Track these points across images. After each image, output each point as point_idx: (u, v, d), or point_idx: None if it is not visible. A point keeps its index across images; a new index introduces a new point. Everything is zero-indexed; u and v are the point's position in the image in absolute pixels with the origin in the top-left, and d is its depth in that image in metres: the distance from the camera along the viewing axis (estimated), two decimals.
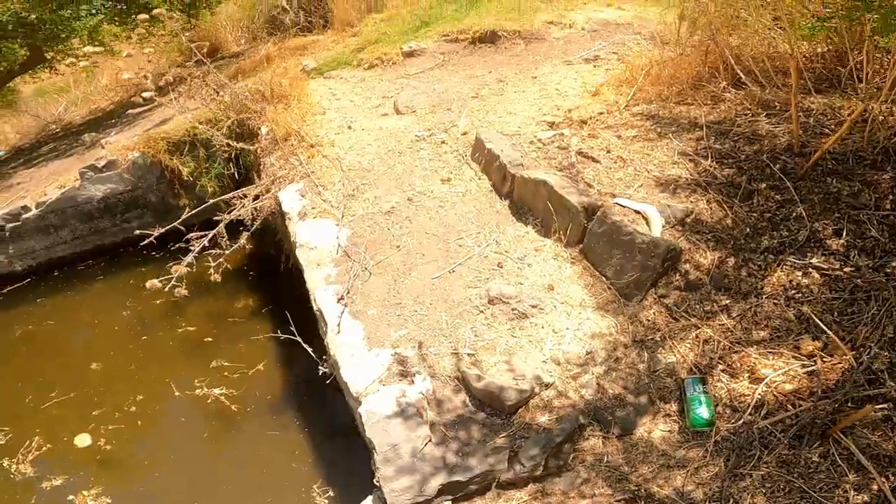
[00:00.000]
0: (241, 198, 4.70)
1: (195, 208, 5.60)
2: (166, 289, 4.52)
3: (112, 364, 4.82)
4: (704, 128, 4.07)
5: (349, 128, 5.12)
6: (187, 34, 11.18)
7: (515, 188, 4.00)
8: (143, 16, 6.93)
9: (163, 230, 4.85)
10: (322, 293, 3.79)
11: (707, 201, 3.63)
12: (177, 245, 4.76)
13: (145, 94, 8.15)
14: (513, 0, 6.92)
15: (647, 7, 6.89)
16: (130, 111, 9.05)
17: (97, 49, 9.34)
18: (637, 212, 3.62)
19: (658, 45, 5.38)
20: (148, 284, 4.90)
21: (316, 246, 3.93)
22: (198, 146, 6.28)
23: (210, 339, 4.97)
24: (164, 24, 10.05)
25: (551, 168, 3.97)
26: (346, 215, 4.14)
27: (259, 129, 5.42)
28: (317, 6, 9.62)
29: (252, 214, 4.65)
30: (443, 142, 4.74)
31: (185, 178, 6.27)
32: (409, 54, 6.39)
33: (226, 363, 4.56)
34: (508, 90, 5.35)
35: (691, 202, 3.63)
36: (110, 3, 8.47)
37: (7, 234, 5.81)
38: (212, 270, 4.51)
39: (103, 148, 7.05)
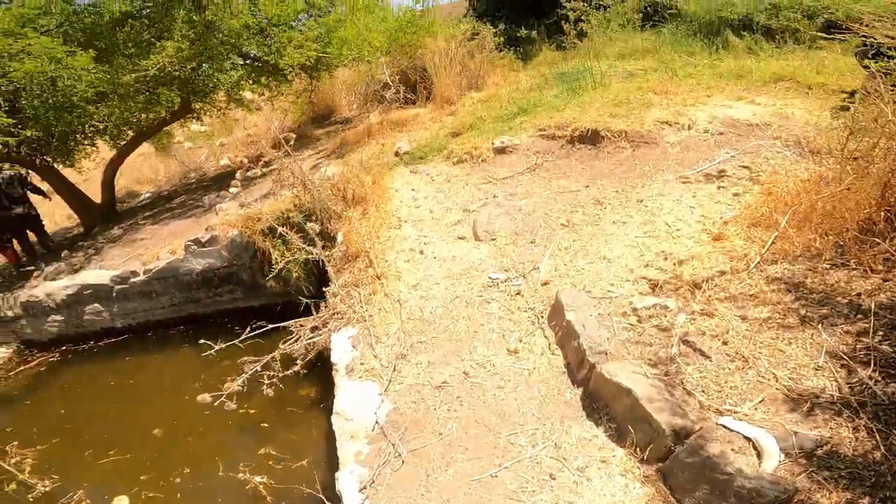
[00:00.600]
0: (300, 326, 4.09)
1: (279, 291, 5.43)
2: (215, 403, 4.14)
3: (172, 432, 4.66)
4: (871, 314, 2.69)
5: (421, 252, 4.26)
6: (309, 94, 11.38)
7: (593, 379, 2.87)
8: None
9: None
10: (347, 475, 3.01)
11: (854, 429, 2.31)
12: (258, 324, 4.53)
13: (249, 174, 8.09)
14: (621, 90, 5.74)
15: (790, 100, 5.35)
16: (249, 173, 9.11)
17: (234, 104, 9.49)
18: (747, 438, 2.41)
19: (807, 159, 4.00)
20: (199, 398, 4.56)
21: (353, 418, 3.15)
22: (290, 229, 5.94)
23: (266, 425, 4.59)
24: (290, 84, 10.18)
25: (643, 360, 2.78)
26: (394, 381, 3.30)
27: (336, 234, 4.84)
28: (421, 78, 9.11)
29: (306, 349, 4.01)
30: (518, 293, 3.68)
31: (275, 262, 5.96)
32: (501, 150, 5.43)
33: (274, 451, 4.20)
34: (606, 218, 4.19)
35: (830, 429, 2.31)
36: (248, 61, 8.55)
37: (115, 294, 5.88)
38: (265, 387, 4.06)
39: (216, 214, 6.98)
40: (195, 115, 9.55)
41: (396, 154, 6.53)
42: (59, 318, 5.96)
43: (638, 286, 3.35)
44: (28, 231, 7.34)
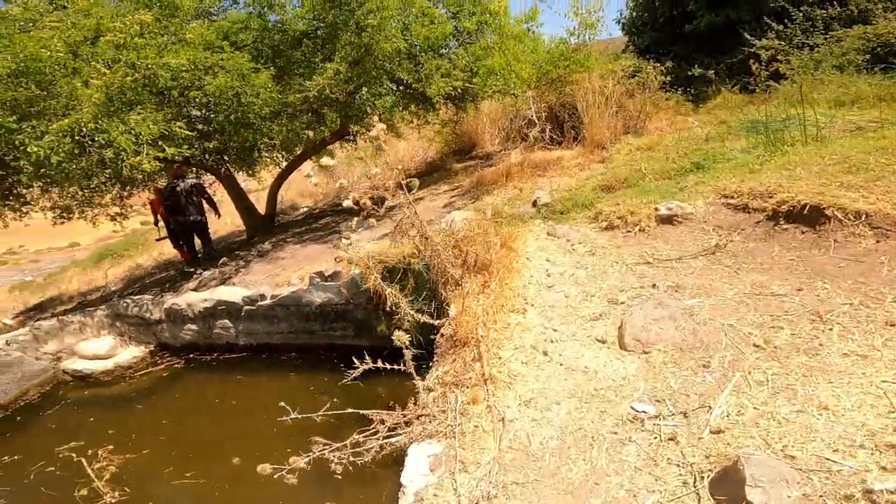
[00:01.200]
0: (380, 421, 3.18)
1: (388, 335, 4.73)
2: (275, 476, 3.43)
3: (250, 465, 4.04)
4: None
5: (544, 353, 2.94)
6: (454, 126, 10.77)
7: None
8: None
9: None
10: None
11: None
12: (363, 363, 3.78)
13: (366, 222, 7.53)
14: (852, 149, 3.90)
15: None
16: (367, 221, 8.69)
17: (388, 130, 9.19)
18: None
19: None
20: (259, 468, 3.91)
21: None
22: (409, 276, 5.19)
23: (339, 476, 3.88)
24: (437, 113, 9.66)
25: None
26: None
27: (450, 303, 3.89)
28: (570, 116, 7.90)
29: (380, 447, 3.08)
30: (672, 438, 2.30)
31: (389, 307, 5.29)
32: (666, 220, 3.90)
33: None
34: (831, 345, 2.55)
35: None
36: (399, 87, 8.16)
37: (243, 313, 5.66)
38: (334, 464, 3.24)
39: (350, 243, 6.56)
40: (352, 137, 9.44)
41: (534, 205, 5.41)
42: (193, 327, 5.83)
43: (880, 457, 1.85)
44: (196, 236, 7.57)
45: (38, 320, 8.08)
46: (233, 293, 5.69)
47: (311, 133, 7.85)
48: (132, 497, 3.83)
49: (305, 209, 12.98)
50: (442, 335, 3.50)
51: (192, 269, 7.51)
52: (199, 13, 6.64)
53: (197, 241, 7.81)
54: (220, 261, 7.78)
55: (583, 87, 7.03)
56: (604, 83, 7.15)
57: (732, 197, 3.90)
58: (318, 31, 6.87)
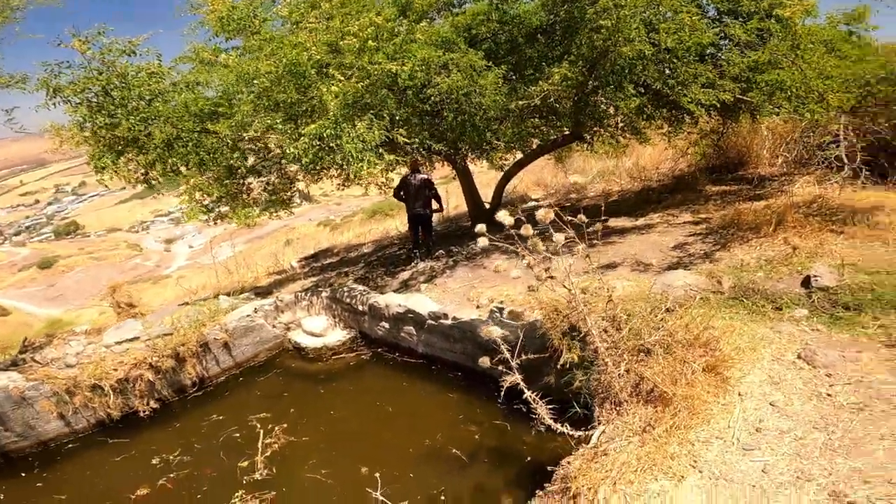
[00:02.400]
0: None
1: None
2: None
3: (372, 476, 3.90)
4: None
5: None
6: (718, 137, 8.54)
7: None
8: None
9: None
10: None
11: None
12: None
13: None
14: None
15: None
16: (612, 223, 7.51)
17: (630, 133, 7.99)
18: None
19: None
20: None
21: None
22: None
23: None
24: (695, 123, 7.81)
25: None
26: None
27: (599, 424, 2.77)
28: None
29: None
30: None
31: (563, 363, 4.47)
32: None
33: None
34: None
35: None
36: (644, 91, 6.93)
37: (425, 326, 5.65)
38: None
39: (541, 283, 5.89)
40: (587, 139, 8.49)
41: (805, 284, 3.63)
42: (386, 325, 6.06)
43: None
44: (420, 227, 7.94)
45: (307, 275, 9.82)
46: (422, 305, 5.65)
47: (539, 135, 7.22)
48: (274, 479, 4.05)
49: (534, 203, 12.55)
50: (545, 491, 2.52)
51: (414, 256, 7.91)
52: (439, 6, 6.53)
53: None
54: (437, 253, 8.01)
55: None
56: None
57: None
58: (555, 27, 6.06)
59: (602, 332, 2.87)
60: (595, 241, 6.51)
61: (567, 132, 7.84)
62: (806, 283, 3.58)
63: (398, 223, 14.82)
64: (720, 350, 2.70)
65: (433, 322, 5.57)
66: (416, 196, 7.38)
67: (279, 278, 10.99)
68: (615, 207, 8.89)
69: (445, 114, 6.33)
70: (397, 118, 5.79)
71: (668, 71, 5.45)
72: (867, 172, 5.58)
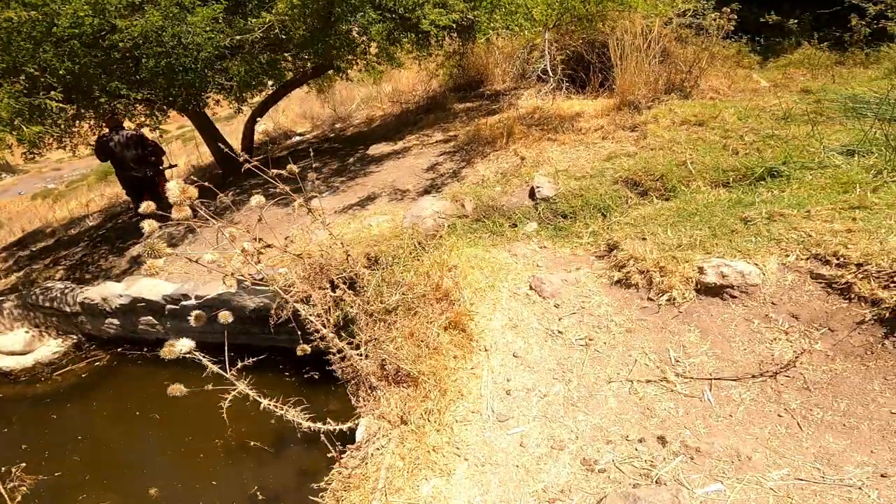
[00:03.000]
0: None
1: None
2: None
3: (168, 497, 3.29)
4: None
5: None
6: (458, 58, 8.71)
7: None
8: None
9: None
10: None
11: None
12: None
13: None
14: None
15: None
16: (372, 151, 7.07)
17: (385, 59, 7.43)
18: None
19: None
20: None
21: None
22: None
23: None
24: (440, 45, 7.71)
25: None
26: None
27: (359, 420, 2.47)
28: (599, 59, 5.92)
29: None
30: None
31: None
32: (713, 291, 2.39)
33: None
34: None
35: None
36: (393, 17, 6.37)
37: (167, 312, 4.52)
38: None
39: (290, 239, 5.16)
40: (339, 69, 7.66)
41: (531, 195, 3.85)
42: (115, 321, 4.70)
43: None
44: (143, 192, 6.22)
45: (7, 271, 7.15)
46: (152, 290, 4.46)
47: (276, 72, 6.10)
48: None
49: (298, 137, 11.33)
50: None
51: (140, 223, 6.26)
52: None
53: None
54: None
55: (619, 27, 5.06)
56: (647, 24, 5.15)
57: (828, 262, 2.32)
58: None
59: (338, 301, 2.44)
60: (356, 174, 6.05)
61: (314, 64, 6.89)
62: (532, 194, 3.76)
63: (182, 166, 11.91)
64: (461, 300, 2.56)
65: (174, 306, 4.48)
66: (125, 156, 5.69)
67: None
68: (378, 132, 8.54)
69: (144, 60, 4.76)
70: (61, 73, 4.13)
71: None
72: (568, 84, 6.28)
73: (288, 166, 2.59)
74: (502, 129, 5.53)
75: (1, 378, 4.77)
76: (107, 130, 5.71)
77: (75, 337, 4.87)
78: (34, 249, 8.64)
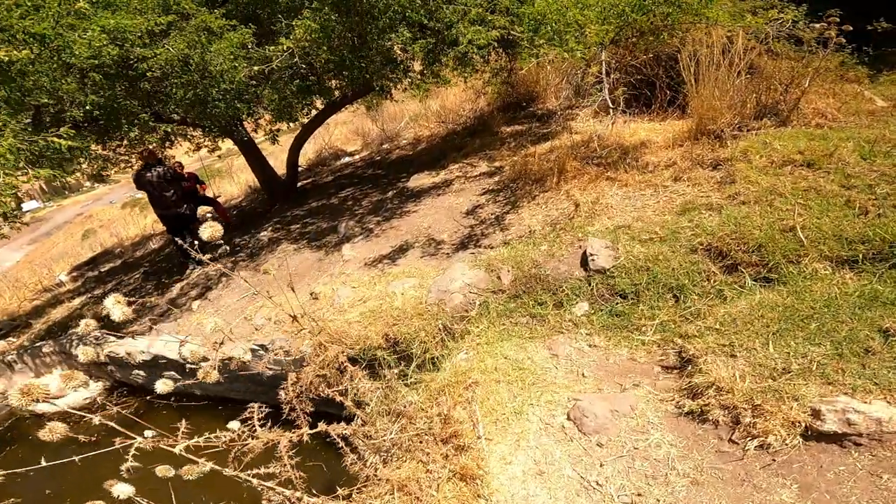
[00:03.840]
0: None
1: None
2: None
3: None
4: None
5: None
6: (507, 74, 7.93)
7: None
8: None
9: None
10: None
11: None
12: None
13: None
14: None
15: None
16: (413, 183, 6.51)
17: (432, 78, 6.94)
18: None
19: None
20: None
21: None
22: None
23: None
24: (487, 62, 7.02)
25: None
26: None
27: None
28: (667, 74, 4.94)
29: None
30: None
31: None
32: (829, 438, 1.56)
33: None
34: None
35: None
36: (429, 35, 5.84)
37: (187, 370, 4.23)
38: None
39: (343, 260, 4.68)
40: (380, 90, 7.20)
41: (583, 263, 3.06)
42: (141, 373, 4.47)
43: None
44: (183, 230, 6.05)
45: (76, 292, 7.34)
46: (171, 349, 4.14)
47: (305, 99, 5.69)
48: None
49: (347, 158, 11.05)
50: None
51: (191, 262, 6.14)
52: None
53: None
54: (220, 251, 6.31)
55: (692, 39, 4.11)
56: (729, 35, 4.17)
57: None
58: None
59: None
60: (392, 214, 5.49)
61: (353, 87, 6.45)
62: (584, 262, 2.97)
63: (233, 188, 12.19)
64: (474, 441, 1.87)
65: (194, 366, 4.13)
66: (162, 195, 5.49)
67: (49, 298, 8.30)
68: (422, 157, 7.98)
69: (174, 90, 4.49)
70: (87, 108, 3.92)
71: (431, 10, 4.32)
72: (633, 109, 5.34)
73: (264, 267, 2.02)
74: (553, 165, 4.73)
75: (39, 420, 4.72)
76: (140, 167, 5.53)
77: (108, 382, 4.70)
78: (102, 271, 8.92)
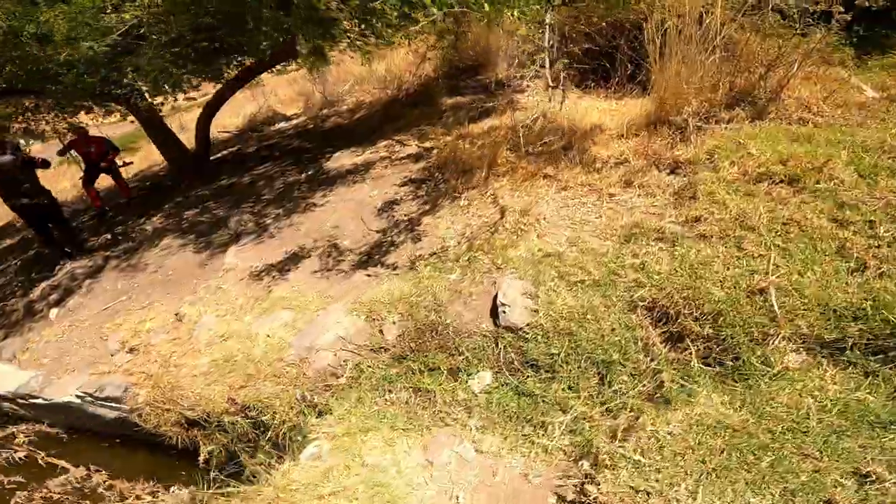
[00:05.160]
0: None
1: None
2: None
3: None
4: None
5: None
6: (454, 36, 6.84)
7: None
8: None
9: None
10: None
11: None
12: None
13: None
14: None
15: None
16: (333, 163, 5.48)
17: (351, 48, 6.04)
18: None
19: None
20: None
21: None
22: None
23: None
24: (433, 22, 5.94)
25: None
26: None
27: None
28: (629, 46, 4.08)
29: None
30: None
31: None
32: None
33: None
34: None
35: None
36: None
37: (23, 401, 3.31)
38: None
39: (224, 269, 3.72)
40: (319, 54, 6.08)
41: (493, 313, 2.26)
42: None
43: None
44: (44, 222, 4.89)
45: None
46: (4, 379, 3.22)
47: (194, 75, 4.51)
48: None
49: (283, 123, 9.82)
50: None
51: (63, 255, 5.07)
52: None
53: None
54: (97, 239, 5.31)
55: (661, 5, 3.23)
56: (705, 5, 3.31)
57: None
58: None
59: None
60: (296, 206, 4.52)
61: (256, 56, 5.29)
62: (495, 312, 2.18)
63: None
64: None
65: (24, 401, 3.25)
66: (13, 183, 4.35)
67: None
68: (356, 128, 6.94)
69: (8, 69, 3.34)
70: None
71: None
72: (586, 77, 4.49)
73: None
74: (484, 153, 3.86)
75: None
76: None
77: None
78: None
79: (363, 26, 5.43)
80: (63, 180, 9.84)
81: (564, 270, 2.30)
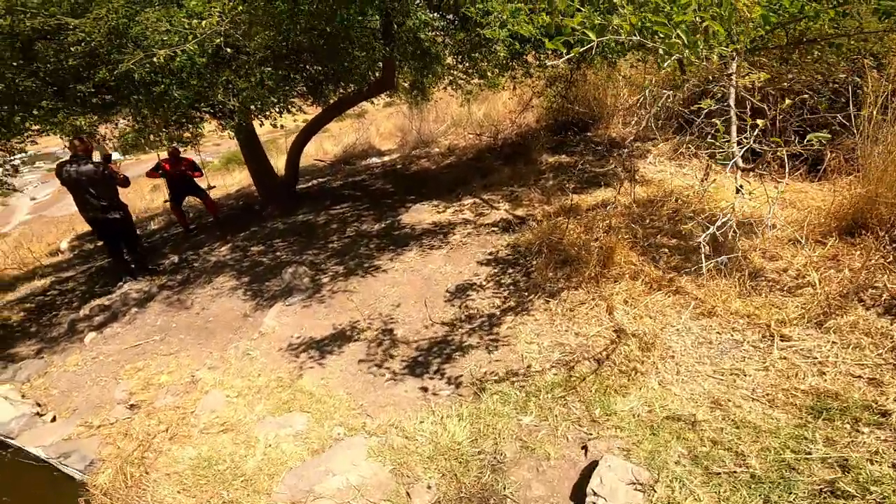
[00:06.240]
0: None
1: None
2: None
3: None
4: None
5: None
6: (565, 88, 6.14)
7: None
8: None
9: None
10: None
11: None
12: None
13: None
14: None
15: None
16: (408, 218, 4.94)
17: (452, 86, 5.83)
18: None
19: None
20: None
21: None
22: None
23: None
24: (542, 68, 5.37)
25: None
26: None
27: None
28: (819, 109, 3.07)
29: None
30: None
31: None
32: None
33: None
34: None
35: None
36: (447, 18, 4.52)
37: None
38: None
39: (260, 332, 3.23)
40: (418, 88, 5.93)
41: (576, 495, 1.39)
42: None
43: None
44: (116, 237, 4.83)
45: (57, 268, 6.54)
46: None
47: (277, 98, 4.24)
48: None
49: (375, 159, 9.71)
50: None
51: (122, 276, 5.00)
52: None
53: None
54: (161, 264, 5.21)
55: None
56: None
57: None
58: None
59: None
60: (359, 265, 3.95)
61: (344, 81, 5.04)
62: (581, 497, 1.30)
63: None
64: None
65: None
66: (87, 195, 4.31)
67: (54, 261, 7.04)
68: (442, 175, 6.44)
69: (101, 73, 3.29)
70: None
71: None
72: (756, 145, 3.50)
73: None
74: (595, 242, 3.02)
75: None
76: (68, 159, 4.35)
77: None
78: (95, 246, 8.06)
79: (467, 63, 5.02)
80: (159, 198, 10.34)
81: (702, 451, 1.38)
